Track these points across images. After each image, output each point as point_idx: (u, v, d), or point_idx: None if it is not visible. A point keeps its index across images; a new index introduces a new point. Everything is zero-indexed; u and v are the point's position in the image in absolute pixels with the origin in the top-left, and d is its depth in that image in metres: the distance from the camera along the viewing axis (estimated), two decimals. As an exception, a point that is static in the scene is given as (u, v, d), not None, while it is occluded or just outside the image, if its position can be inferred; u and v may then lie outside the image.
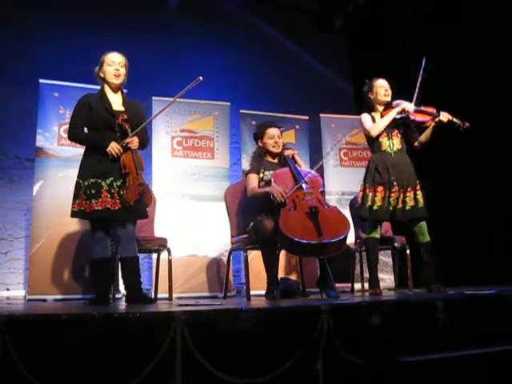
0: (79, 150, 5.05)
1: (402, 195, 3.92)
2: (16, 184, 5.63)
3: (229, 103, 5.95)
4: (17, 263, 5.50)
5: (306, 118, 6.30)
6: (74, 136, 3.64)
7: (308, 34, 7.15)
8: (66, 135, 5.12)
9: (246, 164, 5.62)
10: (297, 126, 6.20)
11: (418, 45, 6.01)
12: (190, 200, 5.48)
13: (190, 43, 6.46)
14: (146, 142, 3.73)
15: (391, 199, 3.92)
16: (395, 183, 3.93)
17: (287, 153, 4.18)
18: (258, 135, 4.27)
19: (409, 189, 3.94)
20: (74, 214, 3.52)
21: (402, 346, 2.49)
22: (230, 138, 5.96)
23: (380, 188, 3.94)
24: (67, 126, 5.09)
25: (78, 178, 3.52)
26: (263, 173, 4.14)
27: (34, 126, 5.10)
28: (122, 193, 3.43)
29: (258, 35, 6.87)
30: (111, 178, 3.45)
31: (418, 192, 3.96)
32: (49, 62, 5.56)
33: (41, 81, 5.17)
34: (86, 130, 3.62)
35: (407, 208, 3.91)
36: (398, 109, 3.99)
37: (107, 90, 3.64)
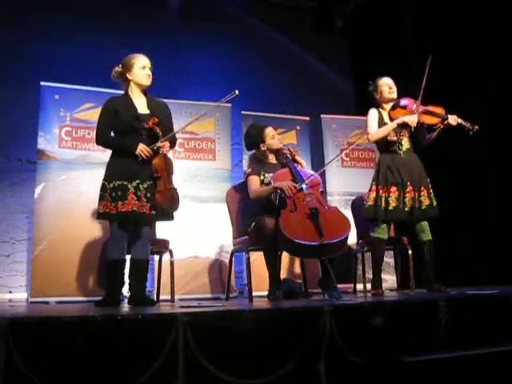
0: (80, 153, 5.13)
1: (417, 194, 3.93)
2: (18, 187, 5.63)
3: (230, 104, 5.93)
4: (19, 266, 5.50)
5: (307, 118, 6.29)
6: (102, 140, 3.62)
7: (308, 35, 7.15)
8: (67, 137, 5.16)
9: (247, 165, 5.62)
10: (298, 127, 6.20)
11: (418, 44, 6.01)
12: (192, 201, 5.47)
13: (191, 44, 6.46)
14: (174, 143, 3.79)
15: (406, 199, 3.92)
16: (408, 183, 3.93)
17: (287, 153, 4.18)
18: (258, 140, 4.27)
19: (422, 188, 3.95)
20: (99, 216, 3.52)
21: (404, 346, 2.49)
22: (232, 139, 5.96)
23: (393, 188, 3.94)
24: (68, 128, 5.17)
25: (103, 179, 3.51)
26: (263, 175, 4.15)
27: (36, 128, 5.10)
28: (149, 195, 3.43)
29: (259, 36, 6.87)
30: (137, 181, 3.45)
31: (431, 191, 3.97)
32: (49, 65, 5.56)
33: (42, 83, 5.16)
34: (112, 133, 3.62)
35: (423, 207, 3.92)
36: (399, 121, 3.98)
37: (133, 92, 3.62)
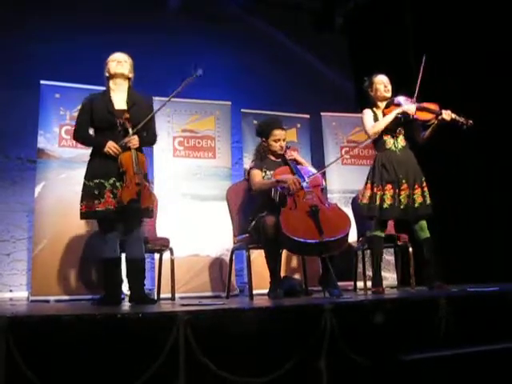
0: (80, 151, 5.09)
1: (411, 192, 3.93)
2: (18, 185, 5.63)
3: (230, 103, 5.94)
4: (19, 264, 5.50)
5: (307, 116, 6.29)
6: (78, 137, 3.68)
7: (308, 33, 7.14)
8: (66, 136, 5.16)
9: (247, 163, 5.61)
10: (298, 125, 6.20)
11: (418, 43, 6.01)
12: (192, 200, 5.48)
13: (190, 43, 6.45)
14: (151, 139, 3.74)
15: (401, 197, 3.93)
16: (404, 181, 3.94)
17: (288, 157, 4.17)
18: (263, 134, 4.26)
19: (416, 186, 3.95)
20: (81, 216, 3.55)
21: (405, 343, 2.49)
22: (232, 137, 5.95)
23: (389, 186, 3.94)
24: (68, 127, 5.17)
25: (84, 179, 3.53)
26: (264, 172, 4.14)
27: (36, 127, 5.09)
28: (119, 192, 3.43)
29: (259, 35, 6.86)
30: (113, 179, 3.45)
31: (425, 189, 3.97)
32: (50, 64, 5.55)
33: (42, 82, 5.16)
34: (91, 131, 3.62)
35: (416, 205, 3.92)
36: (399, 110, 3.99)
37: (112, 88, 3.65)
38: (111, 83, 3.66)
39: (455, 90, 5.36)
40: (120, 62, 3.63)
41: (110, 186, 3.44)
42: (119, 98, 3.61)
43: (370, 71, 4.33)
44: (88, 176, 3.52)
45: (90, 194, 3.45)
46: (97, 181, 3.45)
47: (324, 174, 4.25)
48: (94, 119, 3.56)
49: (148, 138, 3.68)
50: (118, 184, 3.44)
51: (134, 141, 3.47)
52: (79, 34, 5.77)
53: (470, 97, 5.23)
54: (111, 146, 3.44)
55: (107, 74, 3.67)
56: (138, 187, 3.40)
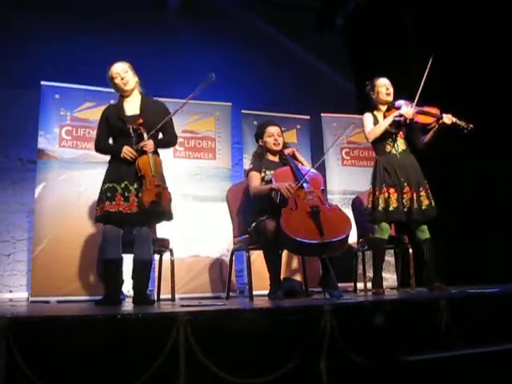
0: (81, 152, 5.13)
1: (415, 195, 3.93)
2: (18, 186, 5.64)
3: (230, 103, 5.94)
4: (19, 265, 5.51)
5: (308, 117, 6.29)
6: (97, 148, 3.77)
7: (309, 34, 7.15)
8: (67, 137, 5.17)
9: (247, 164, 5.62)
10: (298, 126, 6.19)
11: (419, 43, 6.01)
12: (192, 200, 5.48)
13: (191, 43, 6.46)
14: (170, 140, 3.84)
15: (404, 200, 3.93)
16: (405, 184, 3.94)
17: (287, 151, 4.18)
18: (259, 134, 4.28)
19: (421, 188, 3.96)
20: (95, 219, 3.65)
21: (405, 344, 2.49)
22: (232, 138, 5.96)
23: (392, 190, 3.94)
24: (69, 127, 5.18)
25: (102, 183, 3.62)
26: (264, 172, 4.13)
27: (36, 128, 5.10)
28: (140, 195, 3.48)
29: (259, 35, 6.87)
30: (126, 182, 3.52)
31: (429, 191, 3.98)
32: (50, 64, 5.57)
33: (42, 83, 5.16)
34: (110, 140, 3.73)
35: (423, 207, 3.92)
36: (396, 113, 4.00)
37: (123, 96, 3.72)
38: (122, 94, 3.73)
39: (456, 90, 5.36)
40: (123, 79, 3.66)
41: (121, 189, 3.51)
42: (132, 105, 3.68)
43: (370, 71, 4.34)
44: (104, 180, 3.61)
45: (103, 198, 3.53)
46: (110, 185, 3.53)
47: (324, 176, 4.23)
48: (109, 129, 3.67)
49: (165, 139, 3.79)
50: (131, 187, 3.51)
51: (150, 145, 3.56)
52: (79, 34, 5.78)
53: (470, 97, 5.23)
54: (126, 151, 3.52)
55: (114, 89, 3.73)
56: (158, 189, 3.51)
